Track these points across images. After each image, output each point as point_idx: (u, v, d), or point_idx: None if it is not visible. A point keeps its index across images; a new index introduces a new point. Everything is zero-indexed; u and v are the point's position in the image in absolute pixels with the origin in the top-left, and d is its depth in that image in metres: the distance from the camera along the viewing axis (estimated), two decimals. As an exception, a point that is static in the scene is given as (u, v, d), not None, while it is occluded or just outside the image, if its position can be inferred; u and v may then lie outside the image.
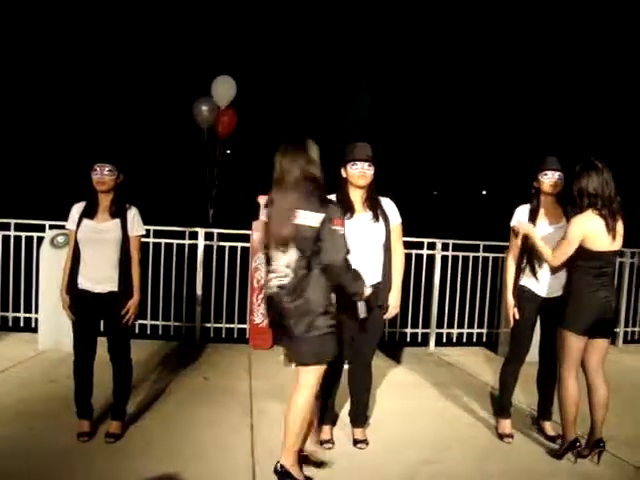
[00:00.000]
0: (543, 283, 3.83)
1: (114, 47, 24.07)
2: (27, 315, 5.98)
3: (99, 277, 3.49)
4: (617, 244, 3.52)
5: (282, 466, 3.06)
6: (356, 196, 3.56)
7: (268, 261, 3.13)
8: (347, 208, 3.50)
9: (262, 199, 5.93)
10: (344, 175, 3.56)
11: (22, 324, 6.00)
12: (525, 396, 4.56)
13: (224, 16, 24.89)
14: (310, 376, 3.07)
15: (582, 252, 3.49)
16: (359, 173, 3.49)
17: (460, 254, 6.49)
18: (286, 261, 3.00)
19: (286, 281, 2.99)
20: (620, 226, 3.53)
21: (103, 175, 3.47)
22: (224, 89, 10.34)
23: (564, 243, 3.51)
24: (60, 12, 22.84)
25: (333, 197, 3.58)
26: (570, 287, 3.59)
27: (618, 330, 6.82)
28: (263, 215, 3.17)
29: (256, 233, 5.92)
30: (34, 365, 5.00)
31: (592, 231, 3.45)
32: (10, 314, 6.01)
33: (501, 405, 4.06)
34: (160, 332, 6.09)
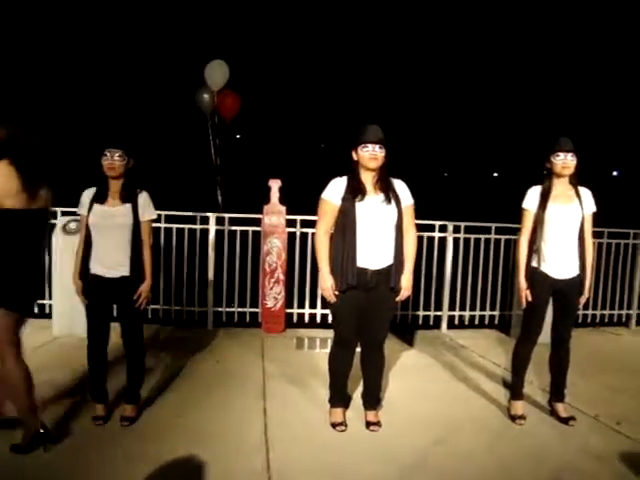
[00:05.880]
0: (555, 264, 3.81)
1: (122, 35, 24.08)
2: (41, 301, 6.03)
3: (111, 262, 3.50)
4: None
5: None
6: (368, 178, 3.53)
7: None
8: (359, 190, 3.48)
9: (273, 182, 6.00)
10: (355, 158, 3.53)
11: (36, 310, 6.05)
12: (537, 378, 4.55)
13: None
14: None
15: None
16: (370, 155, 3.46)
17: (472, 236, 6.47)
18: None
19: None
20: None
21: (113, 160, 3.47)
22: (216, 73, 10.34)
23: None
24: (66, 4, 22.90)
25: (345, 179, 3.57)
26: None
27: (632, 312, 6.81)
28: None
29: (267, 217, 5.92)
30: (49, 350, 5.06)
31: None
32: (24, 300, 6.06)
33: (513, 387, 4.06)
34: (172, 317, 6.13)
